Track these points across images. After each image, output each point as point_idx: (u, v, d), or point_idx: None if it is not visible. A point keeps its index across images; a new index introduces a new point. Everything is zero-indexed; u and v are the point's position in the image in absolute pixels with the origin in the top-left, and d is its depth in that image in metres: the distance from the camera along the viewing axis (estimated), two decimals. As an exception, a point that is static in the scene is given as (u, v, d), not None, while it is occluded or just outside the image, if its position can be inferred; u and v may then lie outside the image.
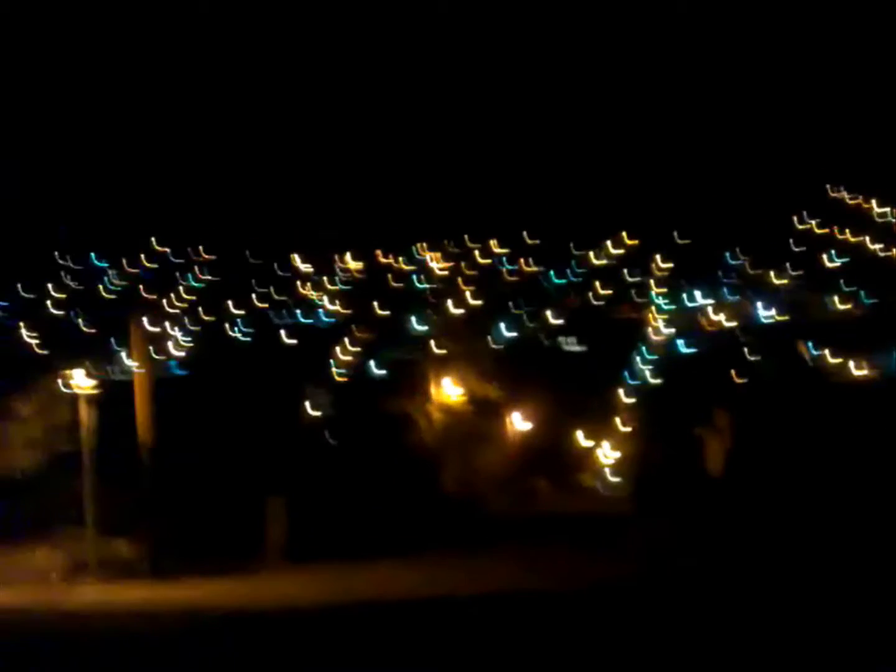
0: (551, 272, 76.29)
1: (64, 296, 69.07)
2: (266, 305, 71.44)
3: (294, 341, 67.03)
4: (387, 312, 69.69)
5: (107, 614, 26.81)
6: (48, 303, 67.59)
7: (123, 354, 54.91)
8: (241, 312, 70.17)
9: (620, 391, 59.49)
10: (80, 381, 34.91)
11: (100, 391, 35.67)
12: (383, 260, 76.08)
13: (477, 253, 77.77)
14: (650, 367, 63.95)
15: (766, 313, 71.30)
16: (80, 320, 66.30)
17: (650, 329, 70.59)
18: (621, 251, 79.11)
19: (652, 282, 75.53)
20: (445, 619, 22.40)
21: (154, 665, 19.18)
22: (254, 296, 71.33)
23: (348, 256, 75.75)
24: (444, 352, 57.44)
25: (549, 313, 70.77)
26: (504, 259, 77.60)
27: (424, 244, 76.40)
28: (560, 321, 70.33)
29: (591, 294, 74.39)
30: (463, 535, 37.68)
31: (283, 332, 67.39)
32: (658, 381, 61.88)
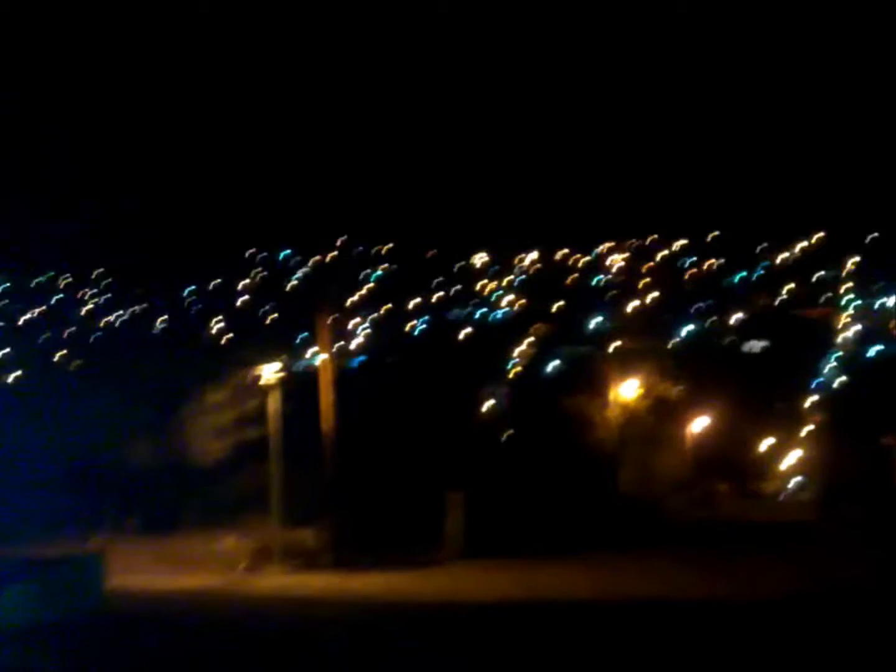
0: (735, 269, 74.45)
1: (252, 287, 71.35)
2: (444, 298, 72.06)
3: (471, 335, 67.37)
4: (564, 308, 69.34)
5: (289, 601, 27.41)
6: (238, 294, 69.97)
7: (307, 344, 56.22)
8: (420, 304, 70.93)
9: (805, 395, 57.64)
10: (268, 371, 35.63)
11: (285, 381, 36.37)
12: (562, 255, 75.79)
13: (657, 249, 76.63)
14: (837, 369, 61.75)
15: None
16: (267, 311, 68.32)
17: (838, 330, 68.11)
18: (809, 248, 76.64)
19: (841, 280, 72.89)
20: (625, 623, 22.03)
21: (346, 655, 19.48)
22: (432, 290, 72.05)
23: (527, 252, 75.76)
24: (622, 349, 56.78)
25: (731, 312, 69.08)
26: (685, 255, 76.17)
27: (604, 240, 75.77)
28: (743, 320, 68.56)
29: (775, 292, 72.29)
30: (640, 536, 37.13)
31: (460, 327, 67.82)
32: (845, 384, 59.70)
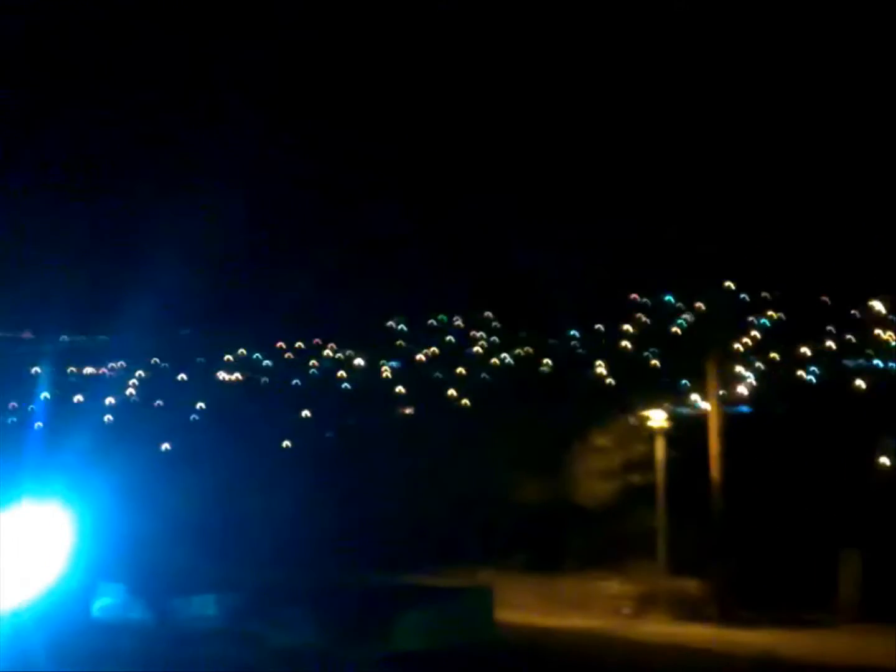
0: None
1: (637, 332, 71.64)
2: (837, 348, 68.82)
3: (868, 386, 63.81)
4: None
5: (675, 650, 26.91)
6: (620, 338, 70.59)
7: (690, 390, 55.53)
8: (811, 353, 68.22)
9: None
10: (656, 417, 35.53)
11: (671, 427, 36.08)
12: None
13: None
14: None
15: None
16: (651, 356, 68.29)
17: None
18: None
19: None
20: None
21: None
22: (826, 337, 69.04)
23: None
24: None
25: None
26: None
27: None
28: None
29: None
30: None
31: (855, 377, 64.45)
32: None
